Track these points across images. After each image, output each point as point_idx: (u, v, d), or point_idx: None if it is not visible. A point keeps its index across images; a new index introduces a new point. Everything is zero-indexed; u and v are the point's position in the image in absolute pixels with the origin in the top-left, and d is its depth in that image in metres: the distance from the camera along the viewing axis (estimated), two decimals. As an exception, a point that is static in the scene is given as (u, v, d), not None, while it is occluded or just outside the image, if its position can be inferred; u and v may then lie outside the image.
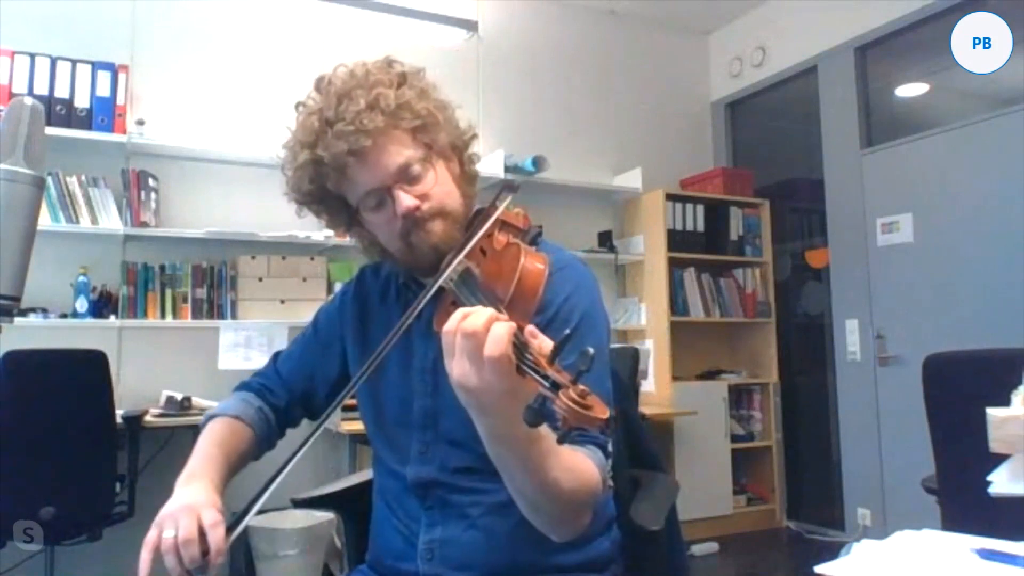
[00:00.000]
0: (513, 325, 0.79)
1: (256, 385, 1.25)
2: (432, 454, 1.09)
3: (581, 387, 0.73)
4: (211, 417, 1.19)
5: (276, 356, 1.30)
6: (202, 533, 0.93)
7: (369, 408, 1.18)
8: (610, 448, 1.02)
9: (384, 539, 1.15)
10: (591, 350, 0.73)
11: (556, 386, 0.73)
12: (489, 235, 1.02)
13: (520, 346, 0.78)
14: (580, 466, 0.93)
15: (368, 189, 1.04)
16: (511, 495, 0.94)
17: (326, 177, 1.05)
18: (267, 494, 0.98)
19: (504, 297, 0.91)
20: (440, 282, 0.97)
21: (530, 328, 0.81)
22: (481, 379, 0.78)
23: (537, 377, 0.75)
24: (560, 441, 0.77)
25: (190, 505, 0.97)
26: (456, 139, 1.12)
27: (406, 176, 1.03)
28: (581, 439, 0.97)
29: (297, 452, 0.97)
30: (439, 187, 1.05)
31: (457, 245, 1.01)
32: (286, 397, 1.24)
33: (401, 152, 1.03)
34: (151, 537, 0.92)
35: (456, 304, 0.94)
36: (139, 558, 0.91)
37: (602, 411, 0.72)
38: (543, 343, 0.79)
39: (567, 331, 0.78)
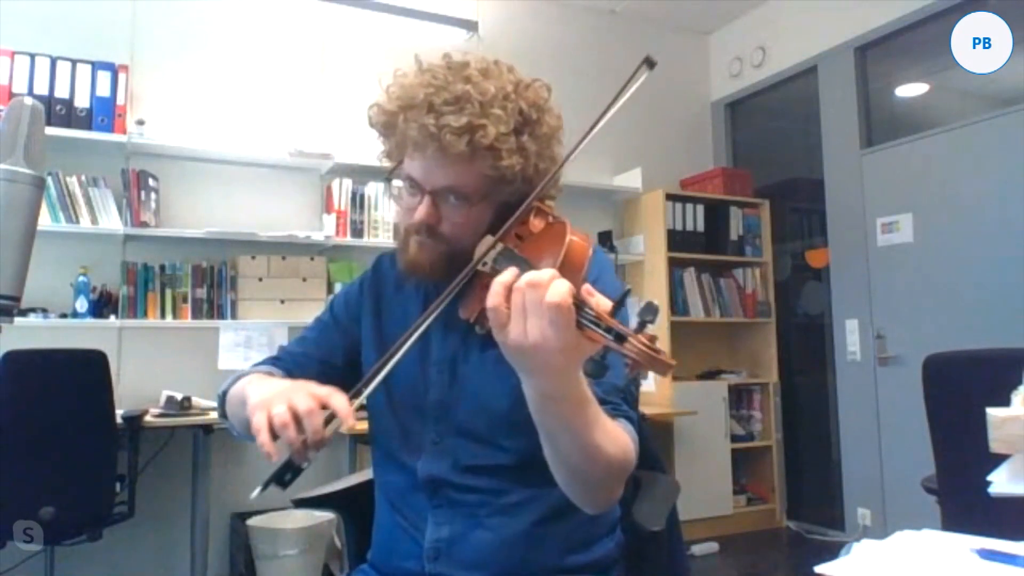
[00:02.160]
0: (571, 284, 0.79)
1: (272, 361, 1.22)
2: (445, 446, 1.09)
3: (650, 333, 0.74)
4: (238, 377, 1.14)
5: (283, 346, 1.28)
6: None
7: (382, 398, 1.16)
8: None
9: (388, 538, 1.15)
10: (656, 302, 0.75)
11: (621, 337, 0.75)
12: (524, 221, 1.01)
13: (579, 303, 0.78)
14: (618, 435, 0.94)
15: (410, 174, 1.05)
16: (550, 462, 0.93)
17: (393, 128, 1.04)
18: (393, 361, 0.94)
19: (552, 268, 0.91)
20: (475, 266, 0.95)
21: (586, 287, 0.81)
22: (541, 334, 0.77)
23: (599, 331, 0.76)
24: (623, 392, 0.79)
25: (291, 385, 0.90)
26: (522, 198, 1.02)
27: (441, 195, 1.03)
28: (614, 412, 0.98)
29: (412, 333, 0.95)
30: (465, 225, 1.04)
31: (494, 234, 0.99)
32: (301, 377, 1.20)
33: (456, 177, 1.01)
34: (259, 420, 0.84)
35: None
36: (260, 445, 0.83)
37: (670, 357, 0.74)
38: (600, 300, 0.79)
39: (627, 287, 0.80)
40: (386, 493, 1.17)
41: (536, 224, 1.02)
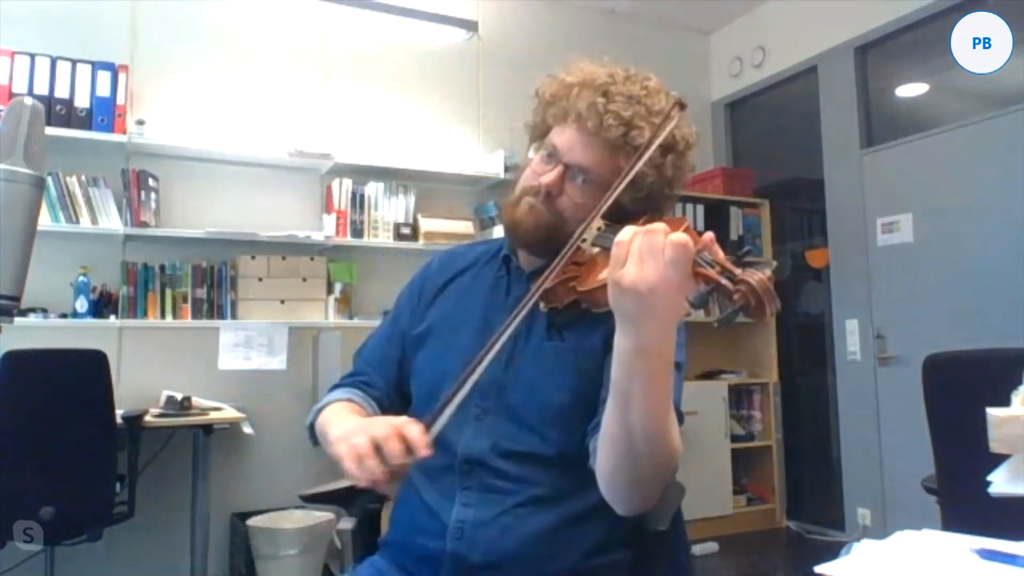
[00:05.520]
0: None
1: (351, 381, 1.25)
2: (488, 423, 1.10)
3: (768, 274, 0.78)
4: (320, 409, 1.19)
5: (360, 352, 1.31)
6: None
7: (431, 372, 1.17)
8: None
9: (410, 517, 1.15)
10: (774, 263, 0.78)
11: (734, 276, 0.78)
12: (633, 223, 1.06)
13: (698, 248, 0.81)
14: (678, 433, 0.96)
15: (555, 142, 1.10)
16: (611, 440, 0.93)
17: (563, 99, 1.10)
18: (466, 387, 0.95)
19: None
20: (577, 239, 0.98)
21: (708, 235, 0.83)
22: (662, 273, 0.79)
23: (712, 272, 0.80)
24: (722, 320, 0.80)
25: (370, 420, 0.96)
26: (640, 207, 1.09)
27: (573, 171, 1.08)
28: None
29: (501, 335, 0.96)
30: (581, 207, 1.07)
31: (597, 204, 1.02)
32: (383, 386, 1.24)
33: (594, 159, 1.07)
34: (342, 450, 0.91)
35: (579, 263, 0.98)
36: (347, 471, 0.90)
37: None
38: (719, 250, 0.83)
39: (746, 248, 0.83)
40: (415, 471, 1.16)
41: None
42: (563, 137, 1.09)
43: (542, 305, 0.99)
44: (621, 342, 0.87)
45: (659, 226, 0.82)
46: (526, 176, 1.14)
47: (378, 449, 0.88)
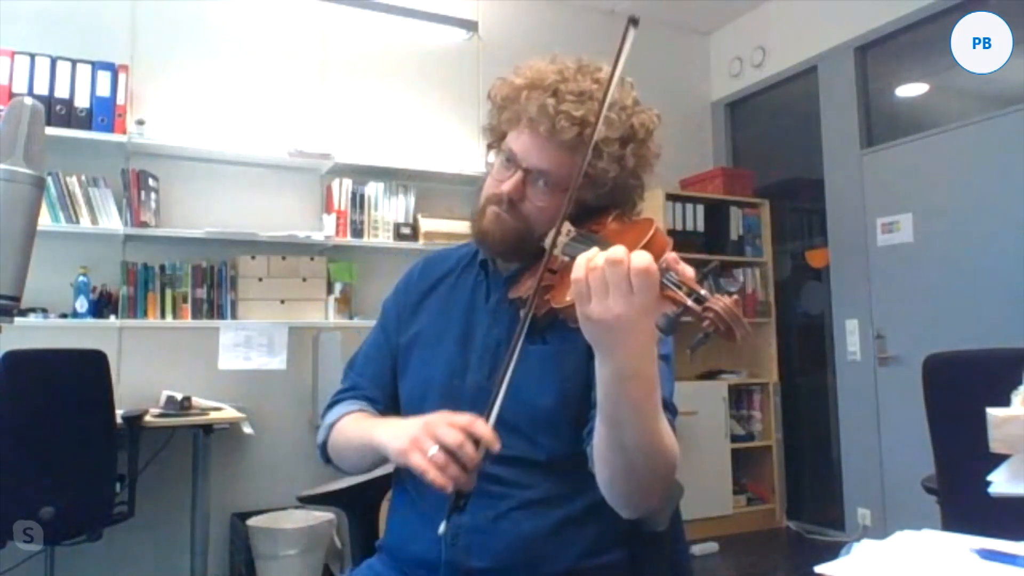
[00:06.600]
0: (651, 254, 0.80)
1: (352, 395, 1.24)
2: None
3: (735, 297, 0.77)
4: (331, 425, 1.19)
5: (351, 365, 1.30)
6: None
7: (416, 380, 1.17)
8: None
9: (404, 525, 1.15)
10: (740, 279, 0.77)
11: (701, 298, 0.77)
12: (601, 221, 1.04)
13: (662, 269, 0.80)
14: (671, 433, 0.95)
15: (512, 147, 1.09)
16: (606, 457, 0.92)
17: (514, 102, 1.09)
18: (508, 377, 0.95)
19: None
20: (550, 250, 0.97)
21: (673, 254, 0.82)
22: (628, 302, 0.79)
23: (680, 294, 0.78)
24: (694, 347, 0.80)
25: (430, 422, 0.93)
26: (605, 204, 1.08)
27: (534, 176, 1.07)
28: None
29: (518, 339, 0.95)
30: (545, 210, 1.06)
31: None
32: (382, 398, 1.23)
33: (553, 162, 1.05)
34: (419, 463, 0.89)
35: (552, 270, 0.97)
36: (432, 482, 0.88)
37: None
38: (684, 268, 0.82)
39: (715, 263, 0.86)
40: (410, 479, 1.16)
41: (613, 225, 1.04)
42: (519, 142, 1.08)
43: (522, 312, 0.98)
44: (601, 370, 0.86)
45: (619, 251, 0.80)
46: (488, 184, 1.13)
47: (453, 455, 0.88)
